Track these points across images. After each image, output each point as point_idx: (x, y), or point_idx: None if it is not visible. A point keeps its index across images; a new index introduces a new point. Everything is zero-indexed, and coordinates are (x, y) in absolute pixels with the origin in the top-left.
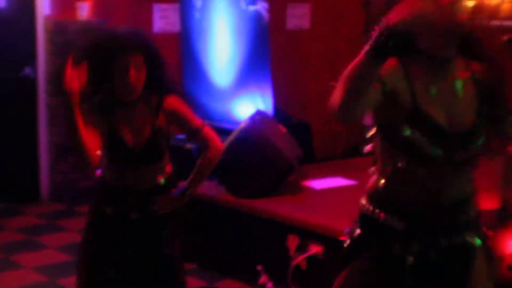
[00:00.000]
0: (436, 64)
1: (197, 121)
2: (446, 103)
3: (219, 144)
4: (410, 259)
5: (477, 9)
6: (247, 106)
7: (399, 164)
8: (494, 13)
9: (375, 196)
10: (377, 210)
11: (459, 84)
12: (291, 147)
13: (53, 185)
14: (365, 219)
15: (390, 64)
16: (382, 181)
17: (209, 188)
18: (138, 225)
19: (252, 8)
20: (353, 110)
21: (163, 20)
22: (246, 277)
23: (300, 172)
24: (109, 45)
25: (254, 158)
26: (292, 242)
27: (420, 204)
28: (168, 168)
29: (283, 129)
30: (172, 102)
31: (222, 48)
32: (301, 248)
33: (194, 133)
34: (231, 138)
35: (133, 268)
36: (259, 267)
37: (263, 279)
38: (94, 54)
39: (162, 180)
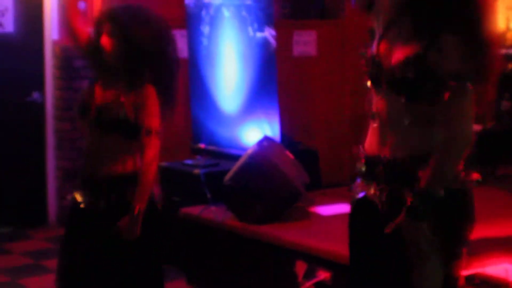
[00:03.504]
0: None
1: (154, 123)
2: None
3: (150, 158)
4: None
5: None
6: (255, 132)
7: None
8: (500, 41)
9: None
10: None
11: None
12: (298, 173)
13: (60, 209)
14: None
15: None
16: None
17: (217, 214)
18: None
19: (259, 35)
20: None
21: None
22: None
23: (307, 198)
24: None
25: (262, 184)
26: (300, 268)
27: None
28: (136, 162)
29: (291, 156)
30: (148, 91)
31: (229, 74)
32: (309, 274)
33: (140, 131)
34: (238, 164)
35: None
36: None
37: None
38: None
39: (130, 168)
